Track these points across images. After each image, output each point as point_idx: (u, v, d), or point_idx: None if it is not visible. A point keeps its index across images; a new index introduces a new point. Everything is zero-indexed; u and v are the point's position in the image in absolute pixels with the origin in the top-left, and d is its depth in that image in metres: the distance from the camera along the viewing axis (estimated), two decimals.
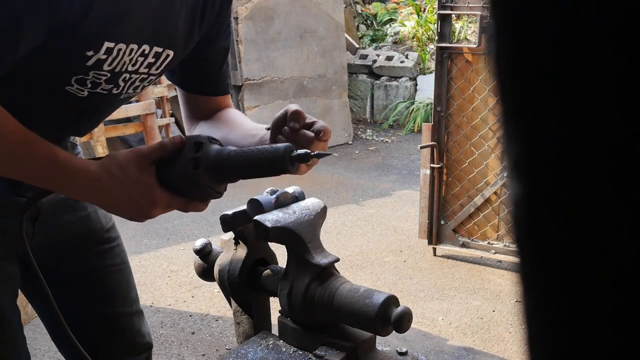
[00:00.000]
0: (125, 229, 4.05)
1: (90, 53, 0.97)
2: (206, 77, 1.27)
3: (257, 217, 1.11)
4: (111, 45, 0.98)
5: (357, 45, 7.14)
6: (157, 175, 1.00)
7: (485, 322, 2.93)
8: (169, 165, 1.00)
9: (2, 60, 0.91)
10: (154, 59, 1.09)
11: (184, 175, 0.99)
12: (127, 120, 5.24)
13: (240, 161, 0.99)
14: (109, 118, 4.72)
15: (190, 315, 3.01)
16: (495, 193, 3.36)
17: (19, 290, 1.24)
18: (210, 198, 1.04)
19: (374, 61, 6.98)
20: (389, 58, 6.95)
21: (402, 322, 1.01)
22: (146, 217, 1.03)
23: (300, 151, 0.97)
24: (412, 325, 1.07)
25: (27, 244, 1.09)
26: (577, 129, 0.25)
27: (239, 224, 1.21)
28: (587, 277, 0.26)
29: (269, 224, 1.09)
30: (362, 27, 7.96)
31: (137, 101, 4.94)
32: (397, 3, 8.03)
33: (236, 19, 5.50)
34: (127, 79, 1.07)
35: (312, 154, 0.97)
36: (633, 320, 0.25)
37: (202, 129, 1.27)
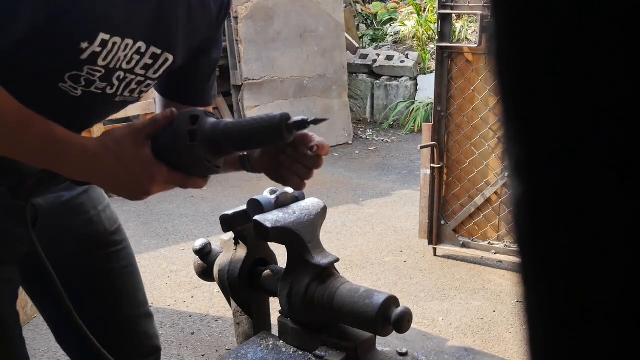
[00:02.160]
0: (125, 229, 4.05)
1: (85, 45, 0.96)
2: (194, 87, 1.24)
3: (257, 217, 1.11)
4: (106, 37, 0.97)
5: (357, 45, 7.14)
6: (154, 150, 0.99)
7: (485, 322, 2.93)
8: (164, 139, 0.99)
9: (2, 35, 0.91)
10: (151, 60, 1.07)
11: (180, 148, 0.98)
12: (127, 120, 5.24)
13: (237, 132, 0.97)
14: (109, 118, 4.72)
15: (190, 316, 3.01)
16: (495, 193, 3.36)
17: (21, 292, 1.23)
18: (208, 173, 1.01)
19: (374, 61, 6.98)
20: (389, 58, 6.95)
21: (402, 322, 1.01)
22: (145, 194, 1.01)
23: (296, 118, 0.96)
24: (412, 325, 1.07)
25: (37, 243, 1.08)
26: (578, 129, 0.25)
27: (239, 224, 1.21)
28: (588, 277, 0.26)
29: (269, 224, 1.09)
30: (362, 26, 7.96)
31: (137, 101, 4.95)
32: (397, 3, 8.02)
33: (236, 18, 5.50)
34: (121, 77, 1.06)
35: (309, 120, 0.95)
36: (633, 320, 0.25)
37: None
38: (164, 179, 0.99)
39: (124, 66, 1.05)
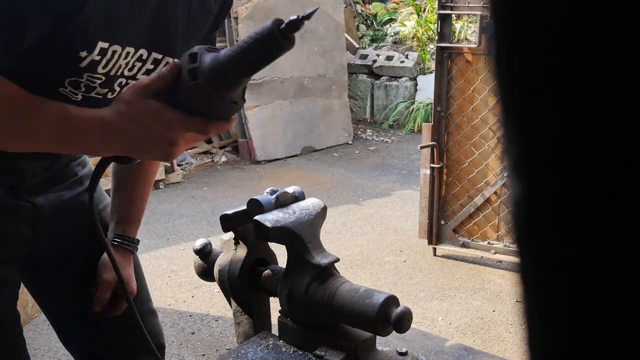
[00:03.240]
0: None
1: (84, 53, 0.95)
2: None
3: (257, 217, 1.11)
4: (105, 45, 0.96)
5: (357, 45, 7.14)
6: (165, 103, 0.93)
7: (485, 322, 2.93)
8: (173, 90, 0.93)
9: (10, 51, 0.90)
10: (152, 66, 1.07)
11: (187, 92, 0.91)
12: None
13: (235, 56, 0.90)
14: None
15: (190, 315, 3.01)
16: (495, 193, 3.36)
17: (22, 292, 1.23)
18: (225, 110, 0.94)
19: (374, 61, 6.98)
20: (389, 58, 6.95)
21: (402, 322, 1.01)
22: (173, 146, 0.95)
23: (288, 20, 0.88)
24: (412, 325, 1.07)
25: (97, 219, 1.08)
26: (577, 129, 0.25)
27: (239, 224, 1.22)
28: (587, 277, 0.26)
29: (269, 224, 1.09)
30: (362, 27, 7.96)
31: None
32: (397, 3, 8.03)
33: (236, 18, 5.50)
34: (123, 84, 1.05)
35: (300, 17, 0.87)
36: (633, 321, 0.25)
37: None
38: (183, 125, 0.93)
39: (126, 73, 1.04)
